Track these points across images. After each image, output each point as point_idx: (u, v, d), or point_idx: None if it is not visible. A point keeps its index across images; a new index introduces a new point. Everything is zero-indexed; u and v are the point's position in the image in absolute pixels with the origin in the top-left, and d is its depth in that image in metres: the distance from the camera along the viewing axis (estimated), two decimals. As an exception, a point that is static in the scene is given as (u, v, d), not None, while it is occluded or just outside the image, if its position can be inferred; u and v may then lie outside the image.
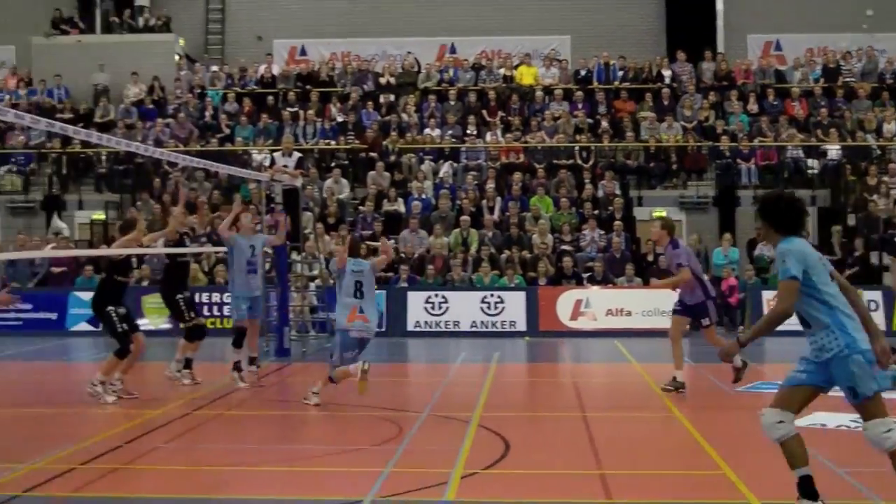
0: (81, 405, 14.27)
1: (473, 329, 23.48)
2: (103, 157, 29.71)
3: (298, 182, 20.23)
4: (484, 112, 29.99)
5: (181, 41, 33.91)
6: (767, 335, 7.68)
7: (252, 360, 15.67)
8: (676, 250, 14.35)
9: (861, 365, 7.33)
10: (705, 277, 14.98)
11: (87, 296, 23.96)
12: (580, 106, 29.86)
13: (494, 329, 23.39)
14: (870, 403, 7.39)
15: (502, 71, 31.50)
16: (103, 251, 23.36)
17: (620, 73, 31.16)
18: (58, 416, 13.21)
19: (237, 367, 15.35)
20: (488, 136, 29.14)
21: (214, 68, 32.80)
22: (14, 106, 28.12)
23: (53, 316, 24.32)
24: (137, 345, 14.03)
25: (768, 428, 7.52)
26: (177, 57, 33.25)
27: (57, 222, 27.55)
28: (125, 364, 14.03)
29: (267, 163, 20.93)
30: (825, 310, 7.46)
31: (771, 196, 7.96)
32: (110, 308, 13.87)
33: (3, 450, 10.76)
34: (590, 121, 29.49)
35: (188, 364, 15.37)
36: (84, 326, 23.90)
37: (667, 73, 30.86)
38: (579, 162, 28.23)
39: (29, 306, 24.27)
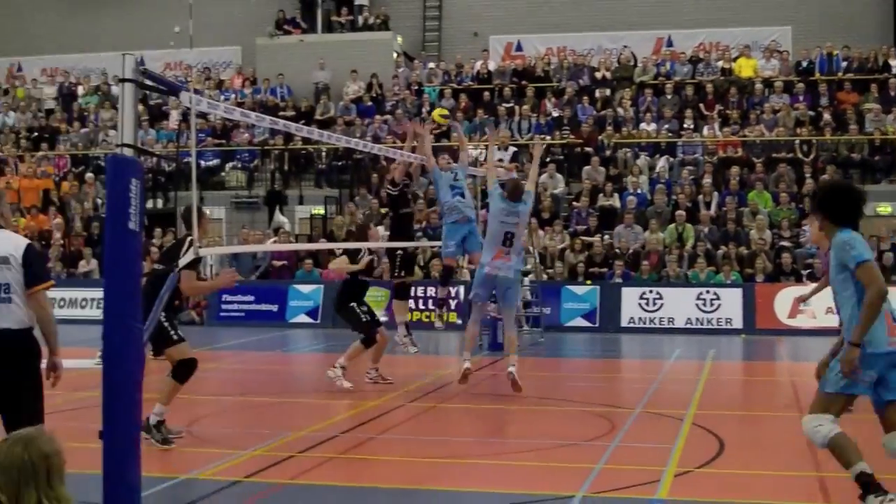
0: (300, 394, 14.73)
1: (688, 326, 23.12)
2: (323, 154, 30.46)
3: (512, 175, 20.30)
4: (701, 106, 29.48)
5: (399, 39, 34.48)
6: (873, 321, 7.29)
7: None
8: None
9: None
10: None
11: (307, 289, 24.84)
12: (801, 98, 29.00)
13: (710, 326, 22.98)
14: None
15: (720, 63, 30.89)
16: (322, 245, 24.04)
17: (844, 64, 30.12)
18: (277, 405, 13.63)
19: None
20: (705, 130, 28.63)
21: (431, 65, 33.22)
22: (239, 104, 29.17)
23: (274, 308, 25.04)
24: (382, 338, 14.46)
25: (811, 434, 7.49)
26: (395, 54, 33.80)
27: (279, 217, 28.33)
28: (373, 353, 14.45)
29: (482, 158, 21.04)
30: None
31: (827, 186, 7.65)
32: (352, 304, 14.34)
33: (227, 436, 11.18)
34: (811, 113, 28.61)
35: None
36: (303, 318, 24.58)
37: (893, 62, 29.67)
38: (799, 156, 27.43)
39: (251, 298, 25.11)
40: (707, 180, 26.41)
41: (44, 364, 7.17)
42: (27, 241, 7.21)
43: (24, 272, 7.00)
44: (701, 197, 26.11)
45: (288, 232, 27.28)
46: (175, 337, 10.57)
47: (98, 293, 22.47)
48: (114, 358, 7.36)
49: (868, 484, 7.45)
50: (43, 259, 7.29)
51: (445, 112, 14.91)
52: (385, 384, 14.48)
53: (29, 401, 7.01)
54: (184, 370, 10.59)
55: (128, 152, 7.48)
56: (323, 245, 24.66)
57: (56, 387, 7.19)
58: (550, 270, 24.63)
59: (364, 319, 14.33)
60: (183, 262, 9.40)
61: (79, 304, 25.58)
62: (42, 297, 7.07)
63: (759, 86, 29.71)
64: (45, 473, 3.82)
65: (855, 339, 7.32)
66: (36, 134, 33.26)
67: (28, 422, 6.62)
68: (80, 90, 35.35)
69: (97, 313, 23.02)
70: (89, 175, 30.21)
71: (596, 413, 12.63)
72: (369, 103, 31.87)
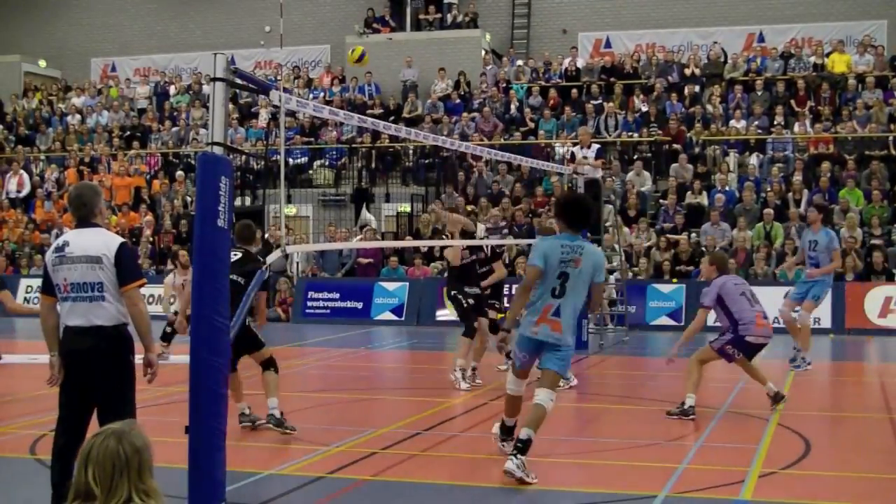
0: (384, 391, 14.85)
1: (776, 325, 22.67)
2: (410, 152, 30.61)
3: (599, 173, 20.24)
4: (792, 102, 29.11)
5: (487, 37, 34.52)
6: None
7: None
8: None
9: None
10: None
11: (392, 286, 24.99)
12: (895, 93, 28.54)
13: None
14: None
15: (813, 59, 30.46)
16: (408, 243, 24.17)
17: (941, 59, 29.58)
18: (361, 402, 13.74)
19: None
20: (796, 127, 28.26)
21: (519, 62, 33.22)
22: (328, 103, 29.39)
23: (359, 305, 25.18)
24: (480, 328, 14.47)
25: None
26: (483, 52, 33.84)
27: (365, 215, 28.48)
28: (475, 350, 14.48)
29: (569, 156, 21.03)
30: None
31: None
32: (455, 293, 14.42)
33: (310, 433, 11.28)
34: (905, 109, 28.15)
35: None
36: (388, 316, 24.70)
37: None
38: (893, 152, 26.96)
39: (336, 295, 25.31)
40: (797, 178, 26.07)
41: (139, 360, 7.31)
42: (120, 239, 7.32)
43: (117, 271, 7.13)
44: (790, 194, 25.78)
45: (374, 230, 27.44)
46: (262, 340, 10.89)
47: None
48: (200, 353, 7.50)
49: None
50: (135, 258, 7.41)
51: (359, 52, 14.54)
52: (474, 385, 14.42)
53: (121, 395, 7.17)
54: (274, 362, 10.92)
55: (218, 150, 7.60)
56: (409, 243, 24.80)
57: (152, 383, 7.32)
58: (635, 269, 24.50)
59: (464, 306, 14.37)
60: (270, 259, 9.51)
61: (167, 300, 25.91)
62: (135, 295, 7.20)
63: (852, 81, 29.24)
64: (137, 467, 3.92)
65: None
66: (128, 133, 33.85)
67: (120, 416, 6.77)
68: (172, 89, 35.90)
69: (187, 309, 23.34)
70: (179, 173, 30.68)
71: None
72: (457, 101, 31.94)
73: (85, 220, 7.37)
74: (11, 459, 9.89)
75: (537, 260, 9.09)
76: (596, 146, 20.67)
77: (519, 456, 8.83)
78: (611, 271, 21.92)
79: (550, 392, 9.18)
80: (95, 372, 7.10)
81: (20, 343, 22.09)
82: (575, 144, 22.10)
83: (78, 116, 35.40)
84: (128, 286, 7.15)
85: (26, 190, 32.14)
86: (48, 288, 7.30)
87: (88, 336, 7.08)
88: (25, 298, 26.91)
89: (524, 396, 9.63)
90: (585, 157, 19.82)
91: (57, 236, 14.75)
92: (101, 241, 7.21)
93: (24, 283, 27.34)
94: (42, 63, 39.12)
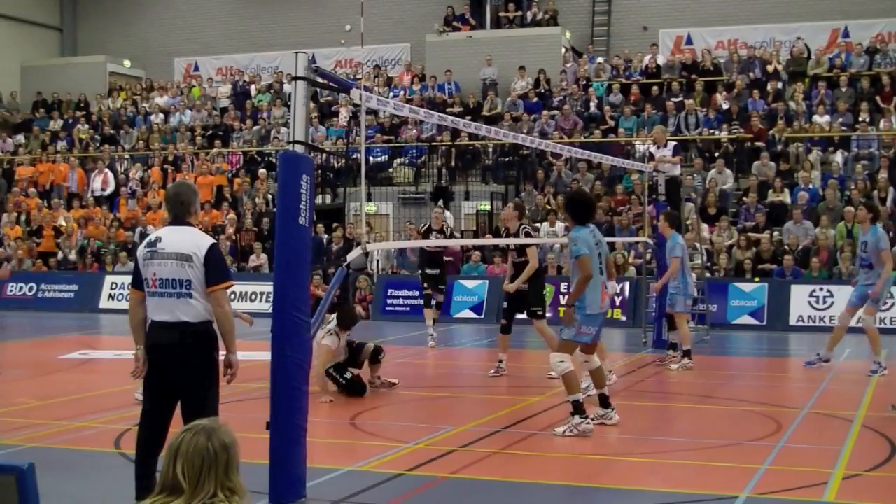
0: (463, 389, 14.85)
1: (859, 325, 22.40)
2: (490, 150, 30.60)
3: (677, 170, 20.08)
4: (878, 98, 28.65)
5: (567, 34, 34.41)
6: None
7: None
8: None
9: None
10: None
11: (472, 284, 24.99)
12: (985, 89, 27.99)
13: (882, 326, 22.20)
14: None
15: (899, 54, 30.00)
16: (486, 241, 24.15)
17: None
18: (440, 400, 13.79)
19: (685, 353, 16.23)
20: (882, 123, 27.81)
21: (599, 60, 33.08)
22: (408, 101, 29.48)
23: (439, 303, 25.17)
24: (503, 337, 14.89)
25: None
26: (563, 50, 33.73)
27: (443, 212, 28.40)
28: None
29: (649, 154, 20.91)
30: None
31: None
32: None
33: (390, 430, 11.36)
34: None
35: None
36: (467, 314, 24.70)
37: None
38: (982, 149, 26.44)
39: (416, 293, 25.36)
40: (882, 175, 25.65)
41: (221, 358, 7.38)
42: (211, 240, 7.42)
43: (206, 271, 7.20)
44: (876, 192, 25.37)
45: (451, 227, 27.42)
46: None
47: (268, 287, 23.02)
48: (282, 350, 7.58)
49: (579, 406, 10.71)
50: (224, 259, 7.49)
51: None
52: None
53: (204, 391, 7.25)
54: None
55: (299, 149, 7.69)
56: (487, 241, 24.79)
57: (231, 383, 7.40)
58: (715, 267, 24.25)
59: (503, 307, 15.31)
60: (350, 256, 9.58)
61: (249, 297, 26.23)
62: (221, 295, 7.25)
63: (939, 76, 28.74)
64: (225, 464, 3.97)
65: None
66: (210, 132, 34.23)
67: (202, 411, 6.87)
68: (253, 89, 36.26)
69: (266, 307, 23.60)
70: (261, 171, 30.95)
71: (762, 413, 12.43)
72: (536, 99, 31.87)
73: (180, 218, 7.46)
74: (97, 453, 10.06)
75: (584, 248, 10.80)
76: (672, 144, 20.52)
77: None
78: (692, 270, 21.74)
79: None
80: (179, 367, 7.19)
81: (104, 339, 22.48)
82: (653, 143, 21.98)
83: (161, 116, 35.90)
84: (215, 287, 7.22)
85: (111, 188, 32.62)
86: (138, 282, 7.40)
87: (174, 331, 7.17)
88: (110, 295, 27.33)
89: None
90: (663, 156, 19.70)
91: (142, 235, 15.03)
92: (192, 240, 7.29)
93: (108, 279, 27.75)
94: (126, 63, 39.77)
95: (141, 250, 7.40)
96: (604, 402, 11.31)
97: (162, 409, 7.30)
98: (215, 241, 7.44)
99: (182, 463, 3.94)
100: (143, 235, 15.30)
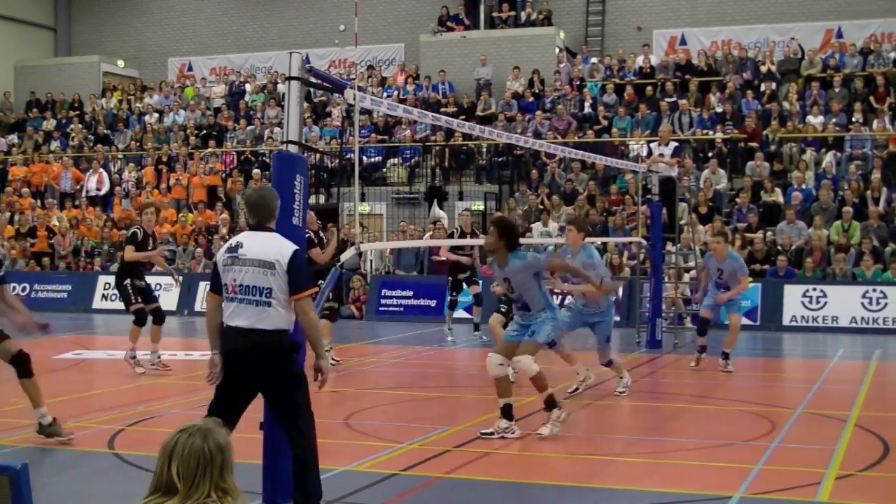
0: (457, 389, 14.84)
1: (853, 325, 22.54)
2: (483, 150, 30.60)
3: (674, 171, 20.10)
4: (871, 98, 28.69)
5: (561, 34, 34.42)
6: None
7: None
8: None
9: None
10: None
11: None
12: (979, 90, 28.02)
13: (876, 326, 22.34)
14: None
15: (892, 55, 29.99)
16: (478, 241, 24.09)
17: None
18: (434, 400, 13.77)
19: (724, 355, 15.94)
20: (875, 124, 27.85)
21: (594, 60, 33.09)
22: (402, 101, 29.49)
23: (433, 303, 25.16)
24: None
25: None
26: (557, 50, 33.74)
27: (436, 210, 28.35)
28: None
29: (644, 153, 20.94)
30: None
31: None
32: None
33: (384, 430, 11.34)
34: None
35: None
36: (462, 314, 24.65)
37: None
38: (976, 150, 26.47)
39: (410, 293, 25.35)
40: (876, 175, 25.69)
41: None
42: (294, 247, 7.25)
43: (289, 279, 7.10)
44: (869, 192, 25.41)
45: (444, 227, 27.39)
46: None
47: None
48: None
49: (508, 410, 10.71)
50: (307, 266, 7.42)
51: None
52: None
53: (288, 395, 7.20)
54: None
55: (293, 149, 7.69)
56: (479, 241, 24.72)
57: (322, 389, 7.34)
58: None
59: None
60: (344, 257, 9.58)
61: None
62: (306, 304, 7.15)
63: (933, 77, 28.79)
64: (220, 465, 3.97)
65: None
66: (204, 132, 34.21)
67: (291, 415, 7.14)
68: (248, 88, 36.23)
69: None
70: (256, 171, 30.92)
71: (756, 413, 12.45)
72: (530, 99, 31.88)
73: (262, 223, 7.34)
74: (91, 453, 10.04)
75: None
76: (674, 144, 20.56)
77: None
78: (687, 270, 21.79)
79: None
80: (251, 373, 7.14)
81: (98, 339, 22.46)
82: (652, 141, 21.99)
83: (155, 115, 35.87)
84: (299, 295, 7.12)
85: (105, 188, 32.59)
86: (216, 286, 7.31)
87: (249, 337, 7.09)
88: (104, 295, 27.29)
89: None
90: (662, 155, 19.71)
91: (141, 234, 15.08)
92: (275, 247, 7.18)
93: (101, 279, 27.69)
94: (121, 63, 39.73)
95: (221, 255, 7.30)
96: (506, 412, 10.74)
97: (230, 414, 7.14)
98: (298, 248, 7.28)
99: (177, 464, 3.94)
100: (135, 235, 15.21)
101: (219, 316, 7.28)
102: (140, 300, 15.24)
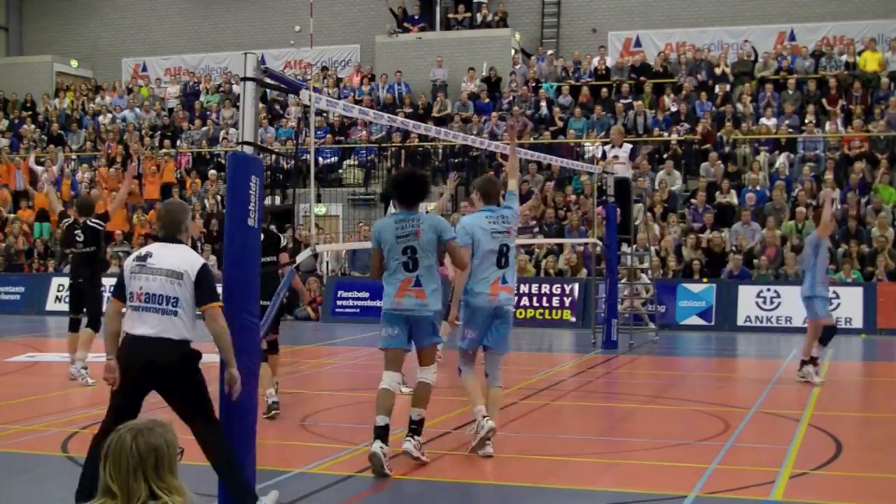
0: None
1: (806, 325, 22.62)
2: (440, 151, 30.59)
3: (629, 172, 20.19)
4: (824, 101, 28.94)
5: (517, 36, 34.48)
6: None
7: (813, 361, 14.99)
8: None
9: None
10: None
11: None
12: (928, 93, 28.30)
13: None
14: None
15: (844, 57, 30.26)
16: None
17: (974, 57, 29.30)
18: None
19: (813, 361, 14.89)
20: (827, 126, 28.09)
21: (549, 61, 33.16)
22: (357, 102, 29.42)
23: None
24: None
25: None
26: (512, 51, 33.80)
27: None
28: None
29: (599, 154, 21.03)
30: None
31: None
32: None
33: (340, 431, 11.32)
34: (939, 108, 27.87)
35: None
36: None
37: None
38: (927, 151, 26.75)
39: (366, 294, 25.30)
40: (829, 177, 25.91)
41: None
42: (203, 260, 7.42)
43: (196, 290, 7.20)
44: (822, 193, 25.62)
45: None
46: None
47: (217, 288, 22.86)
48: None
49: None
50: (214, 279, 7.49)
51: None
52: None
53: (194, 399, 7.24)
54: None
55: (248, 150, 7.65)
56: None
57: (235, 399, 7.34)
58: (670, 264, 24.37)
59: None
60: (300, 258, 9.55)
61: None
62: (216, 311, 7.23)
63: (884, 80, 29.06)
64: (154, 464, 3.87)
65: None
66: (159, 132, 33.99)
67: (201, 417, 7.19)
68: (203, 89, 36.03)
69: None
70: (211, 172, 30.76)
71: (710, 412, 12.52)
72: (486, 100, 31.91)
73: (171, 235, 7.46)
74: (45, 456, 9.96)
75: (374, 243, 9.50)
76: (628, 146, 20.65)
77: (416, 437, 9.46)
78: (643, 270, 21.90)
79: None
80: (158, 382, 7.22)
81: (52, 341, 22.25)
82: (605, 143, 22.08)
83: (109, 116, 35.58)
84: (207, 305, 7.20)
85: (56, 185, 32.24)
86: (120, 293, 7.36)
87: (153, 346, 7.14)
88: (57, 297, 27.03)
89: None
90: (616, 157, 19.80)
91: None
92: (184, 259, 7.30)
93: (55, 281, 27.42)
94: (74, 63, 39.40)
95: (129, 263, 7.37)
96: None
97: (130, 412, 7.21)
98: (206, 262, 7.45)
99: (109, 466, 3.86)
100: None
101: (118, 322, 7.37)
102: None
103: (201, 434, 7.22)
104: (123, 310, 7.36)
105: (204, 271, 7.27)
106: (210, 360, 7.42)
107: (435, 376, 9.75)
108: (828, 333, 15.03)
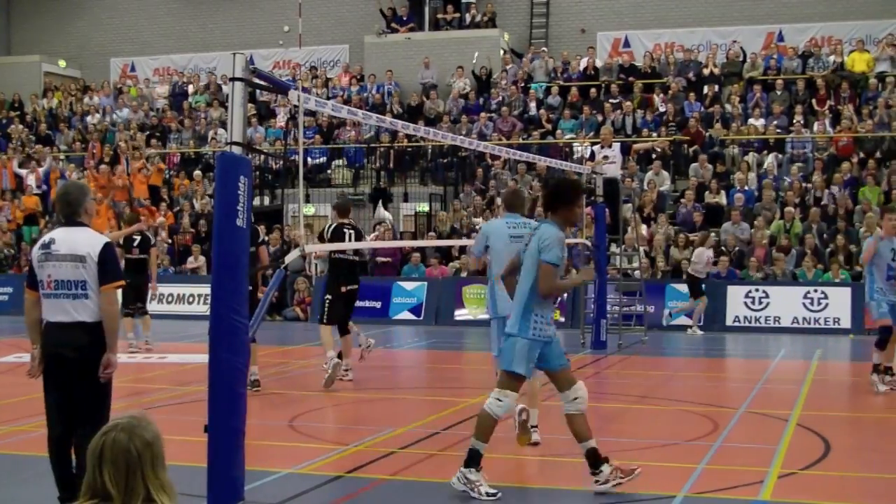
0: (402, 391, 14.81)
1: (795, 325, 22.77)
2: (429, 151, 30.57)
3: (617, 172, 20.19)
4: (812, 101, 29.00)
5: (506, 36, 34.48)
6: None
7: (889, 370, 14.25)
8: None
9: None
10: None
11: (411, 286, 24.99)
12: (917, 93, 28.36)
13: (817, 326, 22.59)
14: None
15: (832, 58, 30.32)
16: (426, 242, 24.17)
17: (962, 58, 29.37)
18: (379, 402, 13.72)
19: (877, 369, 14.26)
20: (816, 126, 28.14)
21: (538, 61, 33.15)
22: (346, 102, 29.40)
23: (378, 304, 25.07)
24: None
25: None
26: (501, 52, 33.80)
27: (381, 212, 28.27)
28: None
29: (587, 154, 21.03)
30: None
31: None
32: None
33: (329, 432, 11.31)
34: (927, 109, 27.96)
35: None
36: (406, 315, 24.66)
37: None
38: (915, 152, 26.80)
39: (356, 295, 25.27)
40: (817, 177, 25.96)
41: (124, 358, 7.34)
42: (106, 239, 7.46)
43: (99, 270, 7.25)
44: (810, 194, 25.68)
45: (389, 227, 27.29)
46: None
47: (205, 289, 22.86)
48: (219, 353, 7.52)
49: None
50: (117, 259, 7.54)
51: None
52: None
53: (99, 389, 7.30)
54: None
55: (237, 150, 7.62)
56: (427, 242, 24.73)
57: (103, 382, 7.33)
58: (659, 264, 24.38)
59: None
60: (288, 258, 9.53)
61: (186, 299, 26.04)
62: (112, 294, 7.33)
63: (872, 80, 29.12)
64: (150, 461, 3.83)
65: None
66: (147, 132, 33.90)
67: (97, 408, 7.19)
68: (191, 89, 35.98)
69: (204, 309, 23.40)
70: (198, 173, 30.70)
71: (699, 413, 12.53)
72: (475, 101, 31.88)
73: (71, 218, 7.48)
74: (32, 457, 9.90)
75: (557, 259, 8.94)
76: (617, 145, 20.66)
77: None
78: (632, 270, 21.91)
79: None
80: (76, 366, 7.24)
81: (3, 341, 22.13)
82: (594, 143, 22.08)
83: (97, 116, 35.50)
84: (107, 286, 7.27)
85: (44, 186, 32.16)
86: (33, 283, 7.44)
87: (70, 331, 7.23)
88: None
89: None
90: (606, 157, 19.80)
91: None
92: (86, 240, 7.33)
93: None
94: (62, 63, 39.31)
95: (35, 252, 7.45)
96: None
97: (66, 407, 7.32)
98: (109, 241, 7.48)
99: (108, 469, 3.79)
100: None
101: (37, 312, 7.44)
102: None
103: (82, 439, 7.05)
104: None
105: (105, 251, 7.30)
106: (200, 360, 7.41)
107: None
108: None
